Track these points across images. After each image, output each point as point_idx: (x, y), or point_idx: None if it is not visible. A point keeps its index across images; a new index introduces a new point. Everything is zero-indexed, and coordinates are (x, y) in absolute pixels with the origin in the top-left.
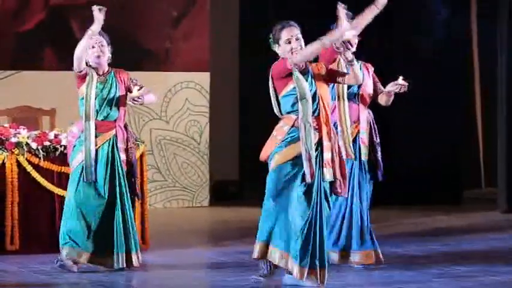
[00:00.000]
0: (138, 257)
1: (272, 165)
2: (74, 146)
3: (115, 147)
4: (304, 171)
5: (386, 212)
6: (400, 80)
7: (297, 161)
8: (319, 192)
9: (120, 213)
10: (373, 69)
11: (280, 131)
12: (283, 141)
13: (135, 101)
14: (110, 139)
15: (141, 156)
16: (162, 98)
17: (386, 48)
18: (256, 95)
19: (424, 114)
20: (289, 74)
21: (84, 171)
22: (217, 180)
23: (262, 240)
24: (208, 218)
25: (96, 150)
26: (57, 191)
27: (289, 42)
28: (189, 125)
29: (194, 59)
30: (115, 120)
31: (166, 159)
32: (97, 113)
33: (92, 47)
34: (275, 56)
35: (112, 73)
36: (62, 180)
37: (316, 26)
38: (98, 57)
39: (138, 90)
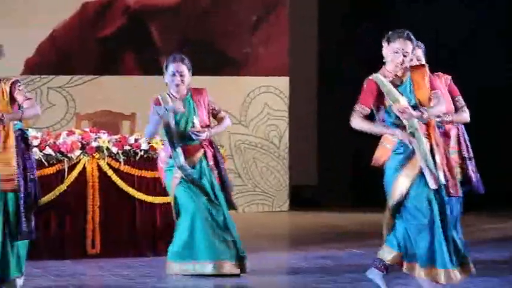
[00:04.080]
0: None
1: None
2: (165, 172)
3: (206, 166)
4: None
5: (474, 217)
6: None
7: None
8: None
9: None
10: (449, 79)
11: (389, 140)
12: (399, 153)
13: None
14: (200, 160)
15: None
16: (241, 103)
17: None
18: (334, 99)
19: None
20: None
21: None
22: (296, 185)
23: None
24: (287, 223)
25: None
26: (138, 195)
27: None
28: (268, 129)
29: (273, 63)
30: (200, 142)
31: (246, 163)
32: (181, 139)
33: (172, 75)
34: (356, 62)
35: (189, 96)
36: (141, 184)
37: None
38: (177, 85)
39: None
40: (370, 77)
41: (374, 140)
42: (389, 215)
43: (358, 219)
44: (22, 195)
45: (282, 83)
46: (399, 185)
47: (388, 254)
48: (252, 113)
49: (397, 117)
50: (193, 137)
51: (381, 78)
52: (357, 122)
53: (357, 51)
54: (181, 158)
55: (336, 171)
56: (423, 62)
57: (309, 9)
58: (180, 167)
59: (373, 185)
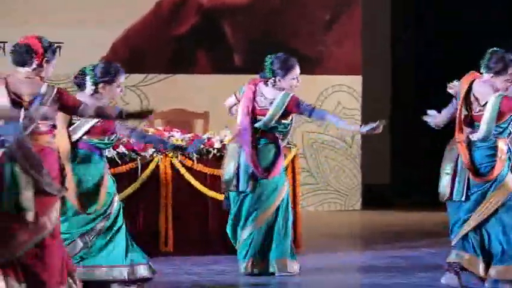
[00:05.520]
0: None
1: None
2: None
3: None
4: None
5: None
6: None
7: None
8: None
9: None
10: None
11: (502, 151)
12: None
13: None
14: None
15: (293, 159)
16: (314, 102)
17: None
18: (407, 98)
19: None
20: None
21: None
22: (368, 183)
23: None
24: (359, 222)
25: None
26: (210, 193)
27: None
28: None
29: (346, 62)
30: None
31: (318, 162)
32: None
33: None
34: (430, 61)
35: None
36: (214, 183)
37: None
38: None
39: None
40: None
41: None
42: None
43: (431, 218)
44: None
45: (355, 81)
46: None
47: None
48: None
49: None
50: None
51: None
52: None
53: (430, 50)
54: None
55: (408, 170)
56: None
57: (383, 8)
58: None
59: None
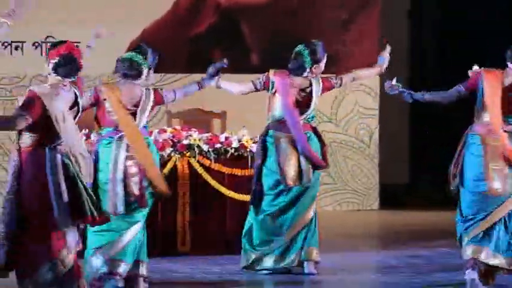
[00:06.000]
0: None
1: None
2: None
3: None
4: None
5: None
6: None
7: None
8: None
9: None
10: None
11: None
12: None
13: None
14: None
15: None
16: (332, 101)
17: None
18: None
19: None
20: None
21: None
22: (386, 183)
23: None
24: (377, 222)
25: None
26: (228, 193)
27: None
28: (359, 128)
29: (364, 61)
30: None
31: (336, 161)
32: None
33: None
34: (447, 61)
35: None
36: (232, 182)
37: None
38: None
39: None
40: None
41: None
42: None
43: (449, 218)
44: None
45: (373, 81)
46: None
47: None
48: (343, 112)
49: None
50: None
51: None
52: None
53: (448, 50)
54: None
55: (427, 170)
56: None
57: (401, 8)
58: None
59: None
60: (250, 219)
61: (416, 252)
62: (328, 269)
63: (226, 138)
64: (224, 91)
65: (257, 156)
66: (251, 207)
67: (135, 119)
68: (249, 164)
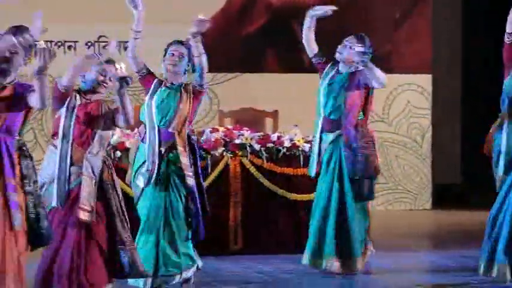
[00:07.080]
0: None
1: None
2: None
3: None
4: None
5: None
6: None
7: None
8: None
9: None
10: None
11: None
12: None
13: None
14: None
15: None
16: (383, 100)
17: None
18: (478, 97)
19: None
20: None
21: None
22: (439, 183)
23: None
24: (430, 221)
25: None
26: (280, 192)
27: None
28: (411, 127)
29: (416, 60)
30: None
31: (388, 161)
32: None
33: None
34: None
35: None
36: (284, 181)
37: None
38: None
39: None
40: None
41: None
42: None
43: None
44: None
45: (425, 80)
46: None
47: None
48: (395, 111)
49: None
50: None
51: None
52: None
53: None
54: None
55: (480, 170)
56: None
57: (453, 6)
58: None
59: None
60: None
61: (468, 253)
62: (380, 269)
63: (278, 137)
64: (275, 90)
65: None
66: None
67: None
68: (301, 164)
